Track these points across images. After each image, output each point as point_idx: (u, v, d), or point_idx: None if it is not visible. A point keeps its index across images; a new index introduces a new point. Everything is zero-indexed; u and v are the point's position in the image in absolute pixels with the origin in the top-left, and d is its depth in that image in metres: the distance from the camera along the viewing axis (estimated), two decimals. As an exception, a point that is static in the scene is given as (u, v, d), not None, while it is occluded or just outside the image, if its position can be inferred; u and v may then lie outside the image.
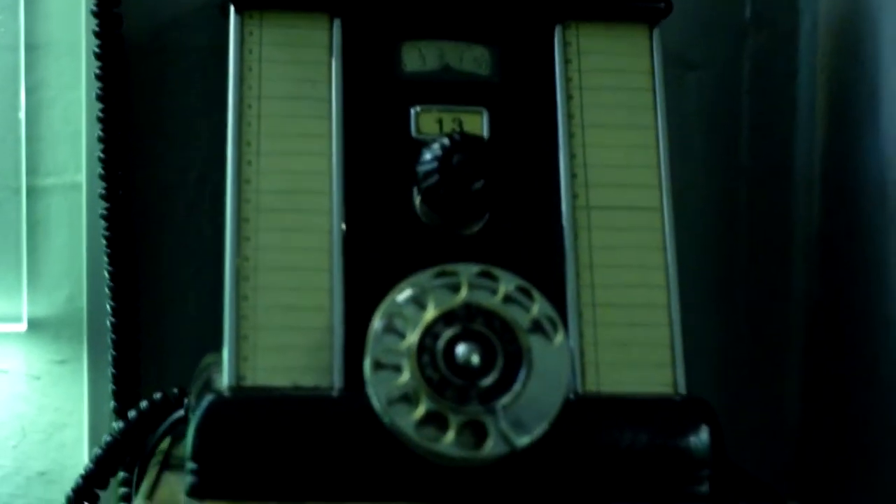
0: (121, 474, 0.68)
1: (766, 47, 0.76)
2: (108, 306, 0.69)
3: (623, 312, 0.58)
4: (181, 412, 0.62)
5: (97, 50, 0.68)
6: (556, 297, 0.55)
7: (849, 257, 0.69)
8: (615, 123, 0.60)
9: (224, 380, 0.55)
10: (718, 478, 0.55)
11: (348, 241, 0.57)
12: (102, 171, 0.68)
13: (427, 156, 0.56)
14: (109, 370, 0.69)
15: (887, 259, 0.64)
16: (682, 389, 0.57)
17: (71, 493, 0.63)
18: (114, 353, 0.68)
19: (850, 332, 0.68)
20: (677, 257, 0.58)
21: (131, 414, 0.64)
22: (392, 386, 0.52)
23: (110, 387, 0.68)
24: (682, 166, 0.70)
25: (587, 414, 0.55)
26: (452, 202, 0.56)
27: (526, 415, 0.52)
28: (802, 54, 0.75)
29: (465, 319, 0.53)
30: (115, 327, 0.68)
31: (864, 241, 0.67)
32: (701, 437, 0.55)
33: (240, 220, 0.57)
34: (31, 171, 0.72)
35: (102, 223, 0.68)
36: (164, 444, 0.64)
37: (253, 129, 0.58)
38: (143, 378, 0.70)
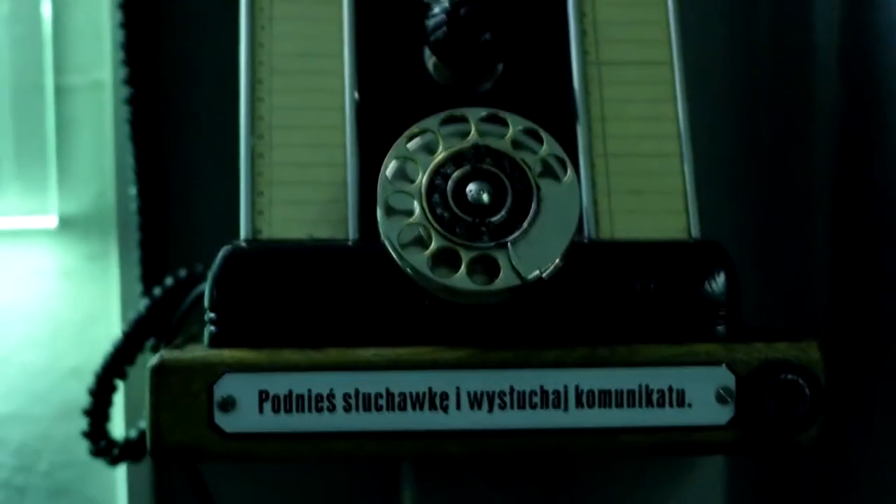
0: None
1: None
2: (134, 193, 0.70)
3: (635, 162, 0.58)
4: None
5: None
6: (569, 150, 0.55)
7: (869, 132, 0.68)
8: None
9: (241, 234, 0.56)
10: (735, 319, 0.55)
11: (362, 100, 0.58)
12: (127, 67, 0.69)
13: (436, 9, 0.57)
14: (137, 254, 0.70)
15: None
16: (696, 235, 0.57)
17: (100, 370, 0.64)
18: (140, 236, 0.69)
19: (875, 205, 0.68)
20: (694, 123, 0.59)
21: (156, 291, 0.65)
22: (404, 227, 0.52)
23: (138, 270, 0.69)
24: (700, 46, 0.70)
25: (601, 257, 0.55)
26: (461, 54, 0.57)
27: (536, 250, 0.52)
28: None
29: (475, 160, 0.53)
30: (142, 211, 0.69)
31: (883, 115, 0.66)
32: (715, 278, 0.55)
33: (254, 81, 0.58)
34: (58, 69, 0.73)
35: (128, 118, 0.69)
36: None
37: (265, -3, 0.59)
38: (171, 265, 0.71)
